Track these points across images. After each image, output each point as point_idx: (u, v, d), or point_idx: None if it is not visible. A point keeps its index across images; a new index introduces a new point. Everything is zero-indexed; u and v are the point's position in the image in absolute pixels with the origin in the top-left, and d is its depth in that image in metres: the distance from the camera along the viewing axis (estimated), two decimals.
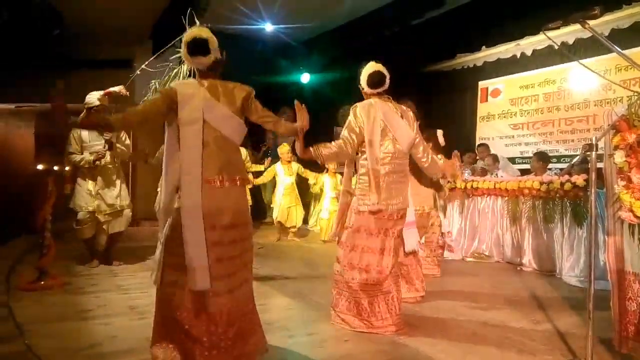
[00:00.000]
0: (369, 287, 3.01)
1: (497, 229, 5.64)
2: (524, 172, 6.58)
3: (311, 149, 3.01)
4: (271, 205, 7.55)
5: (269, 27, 8.55)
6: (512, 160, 7.68)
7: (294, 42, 9.38)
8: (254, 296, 2.45)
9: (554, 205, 4.95)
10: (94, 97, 4.33)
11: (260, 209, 8.76)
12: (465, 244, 5.88)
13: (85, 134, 4.55)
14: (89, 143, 4.54)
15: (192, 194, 2.20)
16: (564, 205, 4.86)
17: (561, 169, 6.02)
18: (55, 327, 2.92)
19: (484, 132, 8.42)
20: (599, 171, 2.55)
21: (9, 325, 2.90)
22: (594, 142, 2.32)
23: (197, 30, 2.38)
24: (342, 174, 3.78)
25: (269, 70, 9.22)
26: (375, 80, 3.14)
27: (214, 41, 2.34)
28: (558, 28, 2.27)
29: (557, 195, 4.89)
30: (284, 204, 6.99)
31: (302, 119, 2.50)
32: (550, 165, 5.99)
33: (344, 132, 3.10)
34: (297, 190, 7.22)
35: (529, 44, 7.46)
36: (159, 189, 3.88)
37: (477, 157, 7.24)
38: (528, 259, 5.20)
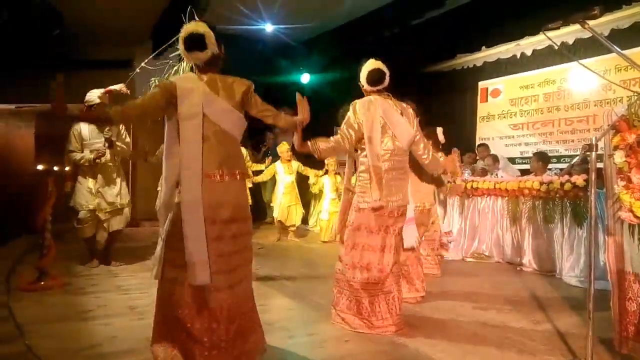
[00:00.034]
0: (370, 286, 3.01)
1: (497, 229, 5.63)
2: (524, 172, 6.58)
3: (309, 142, 3.04)
4: (271, 205, 7.53)
5: (269, 28, 8.56)
6: (512, 160, 7.68)
7: (294, 42, 9.39)
8: (253, 295, 2.45)
9: (554, 205, 4.95)
10: (94, 95, 4.36)
11: (260, 209, 8.74)
12: (465, 244, 5.87)
13: (85, 131, 4.52)
14: (89, 141, 4.53)
15: (192, 188, 2.20)
16: (564, 206, 4.85)
17: (561, 169, 6.03)
18: (56, 327, 2.92)
19: (484, 132, 8.42)
20: (599, 171, 2.55)
21: (9, 326, 2.90)
22: (593, 142, 2.32)
23: (193, 26, 2.35)
24: (341, 174, 3.78)
25: (269, 70, 9.23)
26: (375, 77, 3.15)
27: (210, 36, 2.32)
28: (558, 28, 2.27)
29: (557, 195, 4.89)
30: (284, 202, 6.97)
31: (303, 112, 2.50)
32: (550, 166, 5.99)
33: (342, 128, 3.11)
34: (297, 189, 7.22)
35: (529, 44, 7.46)
36: (159, 188, 3.88)
37: (477, 157, 7.25)
38: (528, 259, 5.19)
